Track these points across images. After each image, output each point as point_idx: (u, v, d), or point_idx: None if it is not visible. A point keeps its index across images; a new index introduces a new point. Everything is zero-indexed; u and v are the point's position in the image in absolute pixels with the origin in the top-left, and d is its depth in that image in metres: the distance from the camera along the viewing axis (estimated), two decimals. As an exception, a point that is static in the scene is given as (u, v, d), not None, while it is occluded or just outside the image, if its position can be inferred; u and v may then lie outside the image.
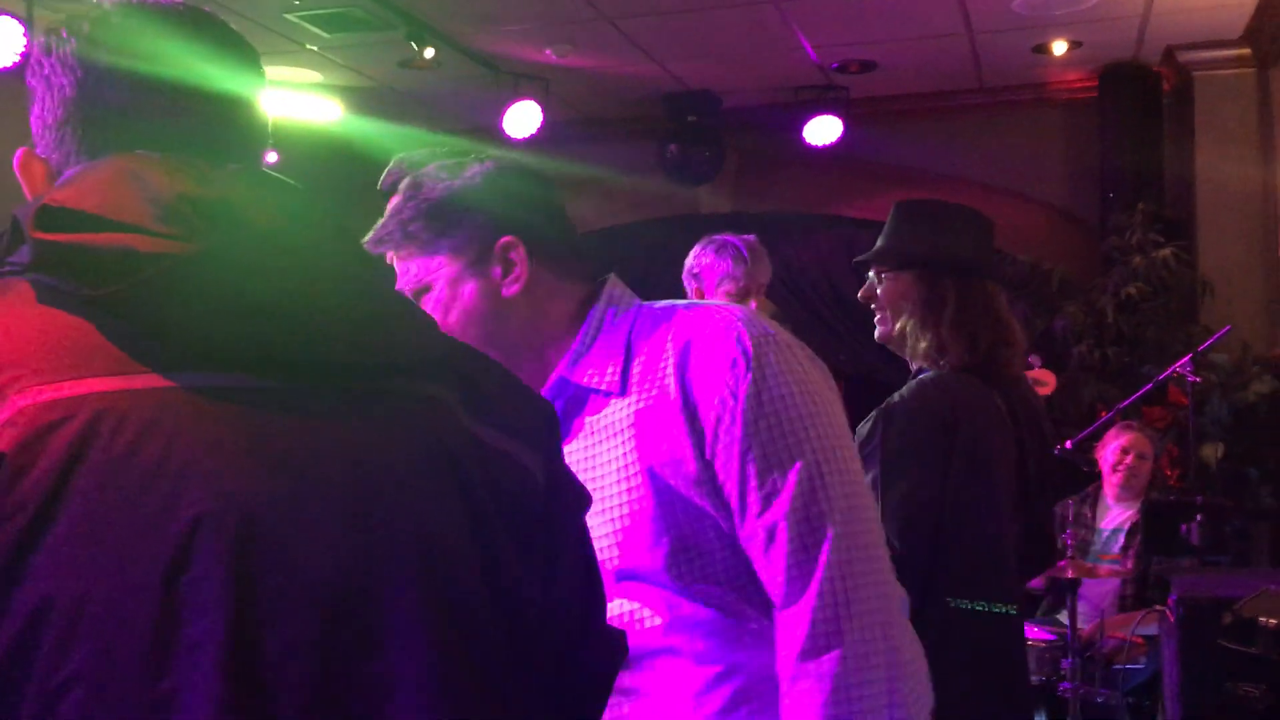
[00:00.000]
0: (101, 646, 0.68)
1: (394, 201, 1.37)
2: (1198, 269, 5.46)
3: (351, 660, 0.75)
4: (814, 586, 1.21)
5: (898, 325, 2.25)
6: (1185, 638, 2.72)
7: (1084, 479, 4.53)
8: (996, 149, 6.21)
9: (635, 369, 1.32)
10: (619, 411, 1.31)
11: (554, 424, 0.97)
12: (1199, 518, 3.89)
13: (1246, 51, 5.42)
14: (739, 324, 1.29)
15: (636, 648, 1.27)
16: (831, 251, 6.31)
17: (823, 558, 1.21)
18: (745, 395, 1.24)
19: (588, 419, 1.34)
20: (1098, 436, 4.48)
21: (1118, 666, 3.92)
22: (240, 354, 0.78)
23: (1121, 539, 4.31)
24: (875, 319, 2.30)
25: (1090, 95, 5.93)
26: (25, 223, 0.77)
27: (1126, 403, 4.45)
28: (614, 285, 1.41)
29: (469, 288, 1.33)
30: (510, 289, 1.34)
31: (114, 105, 0.88)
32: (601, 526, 1.30)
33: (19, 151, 0.91)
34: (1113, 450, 4.37)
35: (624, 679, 1.28)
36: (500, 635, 0.83)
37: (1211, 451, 4.81)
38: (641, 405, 1.29)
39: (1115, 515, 4.40)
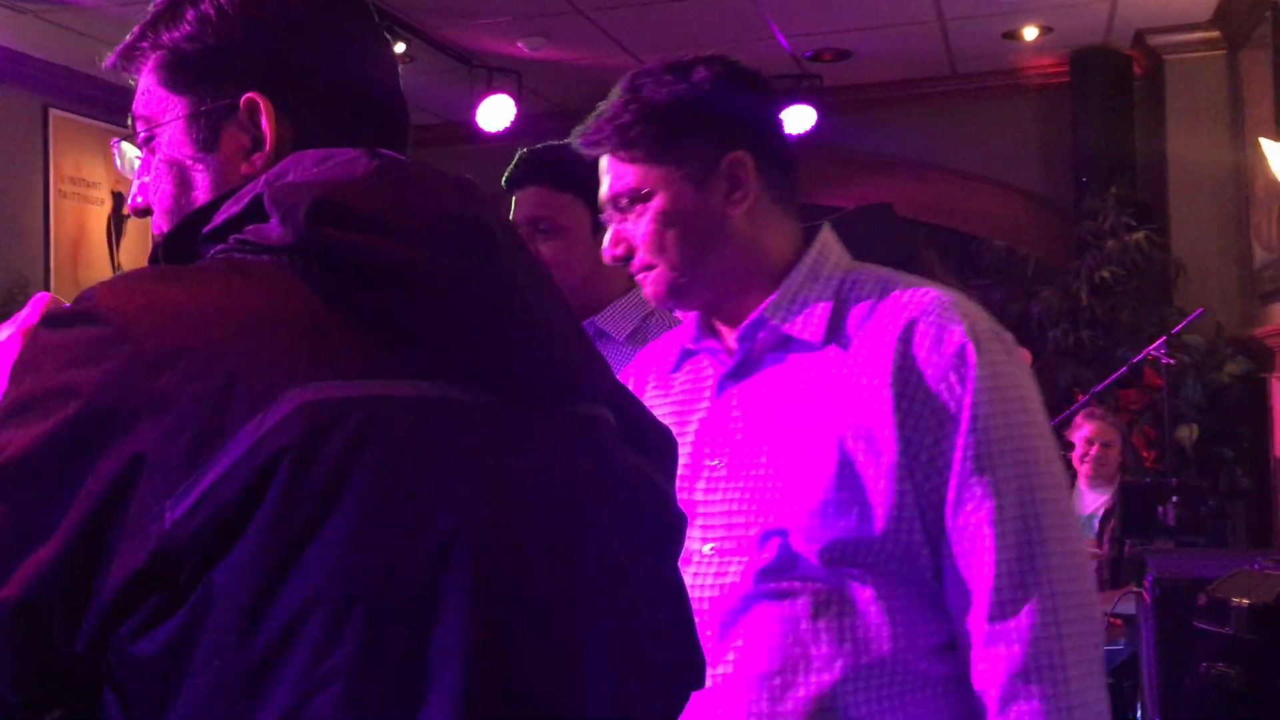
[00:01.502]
0: (364, 645, 0.70)
1: (611, 103, 1.27)
2: (1170, 251, 5.50)
3: (556, 672, 0.78)
4: (1034, 605, 1.16)
5: None
6: (1161, 619, 2.74)
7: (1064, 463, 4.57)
8: (970, 136, 6.22)
9: (844, 327, 1.24)
10: (819, 366, 1.24)
11: (676, 448, 1.00)
12: (1175, 499, 3.92)
13: (1216, 34, 5.45)
14: (970, 315, 1.23)
15: (741, 610, 1.22)
16: (808, 240, 6.31)
17: (1045, 579, 1.17)
18: (974, 388, 1.18)
19: (781, 365, 1.27)
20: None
21: (1097, 648, 3.94)
22: (490, 372, 0.80)
23: (1096, 525, 4.35)
24: None
25: (1062, 80, 5.94)
26: (294, 209, 0.76)
27: (1101, 386, 4.48)
28: (829, 235, 1.32)
29: (690, 203, 1.24)
30: (735, 209, 1.25)
31: (352, 79, 0.89)
32: (764, 475, 1.23)
33: (251, 96, 0.86)
34: (1079, 441, 4.42)
35: (726, 638, 1.23)
36: (647, 648, 0.88)
37: (1186, 433, 4.85)
38: (847, 371, 1.22)
39: (1089, 501, 4.45)
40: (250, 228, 0.78)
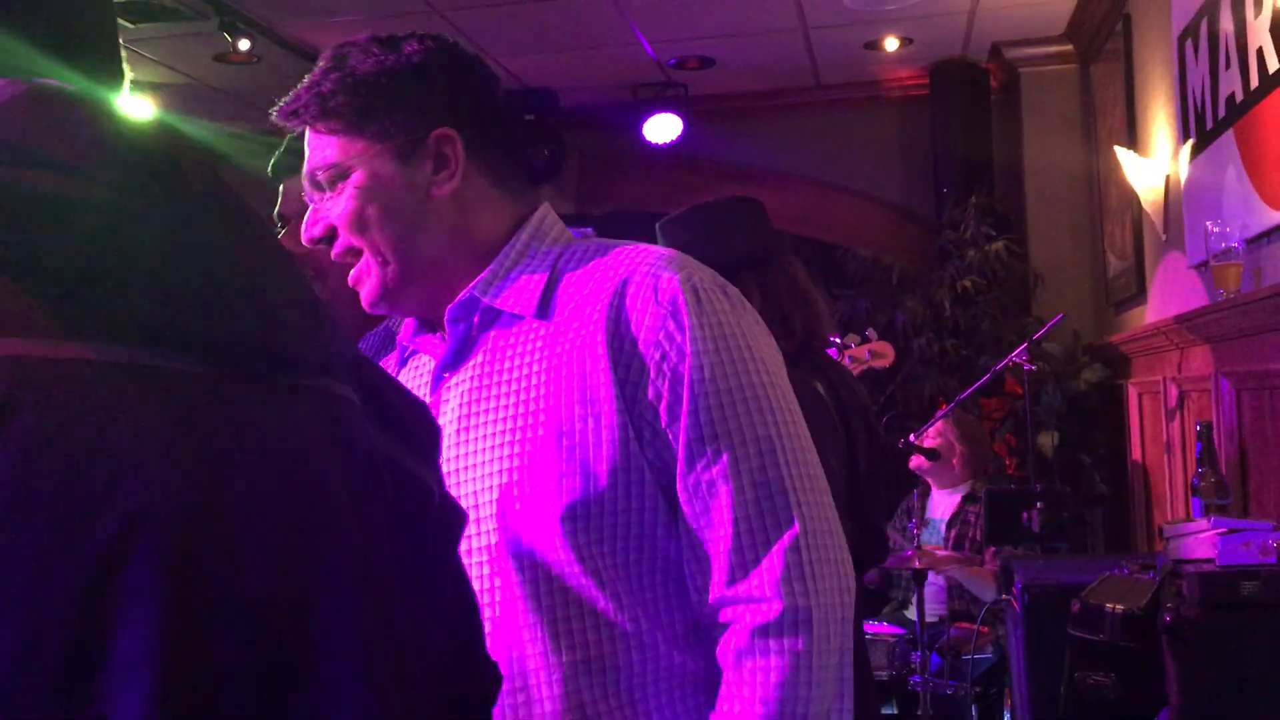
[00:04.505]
0: (15, 661, 0.56)
1: (313, 72, 1.19)
2: (1029, 261, 5.59)
3: (288, 686, 0.64)
4: (778, 565, 1.08)
5: None
6: (1031, 627, 2.70)
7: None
8: (834, 147, 6.25)
9: (558, 297, 1.17)
10: (532, 338, 1.16)
11: (439, 436, 0.88)
12: (1039, 505, 3.93)
13: (1069, 48, 5.58)
14: (687, 266, 1.15)
15: (487, 619, 1.12)
16: (674, 251, 6.26)
17: (788, 538, 1.09)
18: (692, 337, 1.10)
19: (493, 341, 1.19)
20: (939, 429, 4.51)
21: (966, 657, 3.93)
22: (183, 334, 0.66)
23: (943, 528, 4.37)
24: None
25: (922, 93, 6.02)
26: None
27: (965, 394, 4.48)
28: (547, 213, 1.25)
29: (393, 180, 1.16)
30: (440, 189, 1.17)
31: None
32: (492, 459, 1.14)
33: None
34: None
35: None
36: (415, 663, 0.74)
37: (1048, 440, 4.90)
38: (561, 339, 1.14)
39: (938, 504, 4.47)
40: None
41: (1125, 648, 2.00)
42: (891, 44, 5.58)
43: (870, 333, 3.93)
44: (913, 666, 3.88)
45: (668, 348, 1.11)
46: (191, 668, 0.60)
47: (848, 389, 2.27)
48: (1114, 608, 2.02)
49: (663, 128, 6.00)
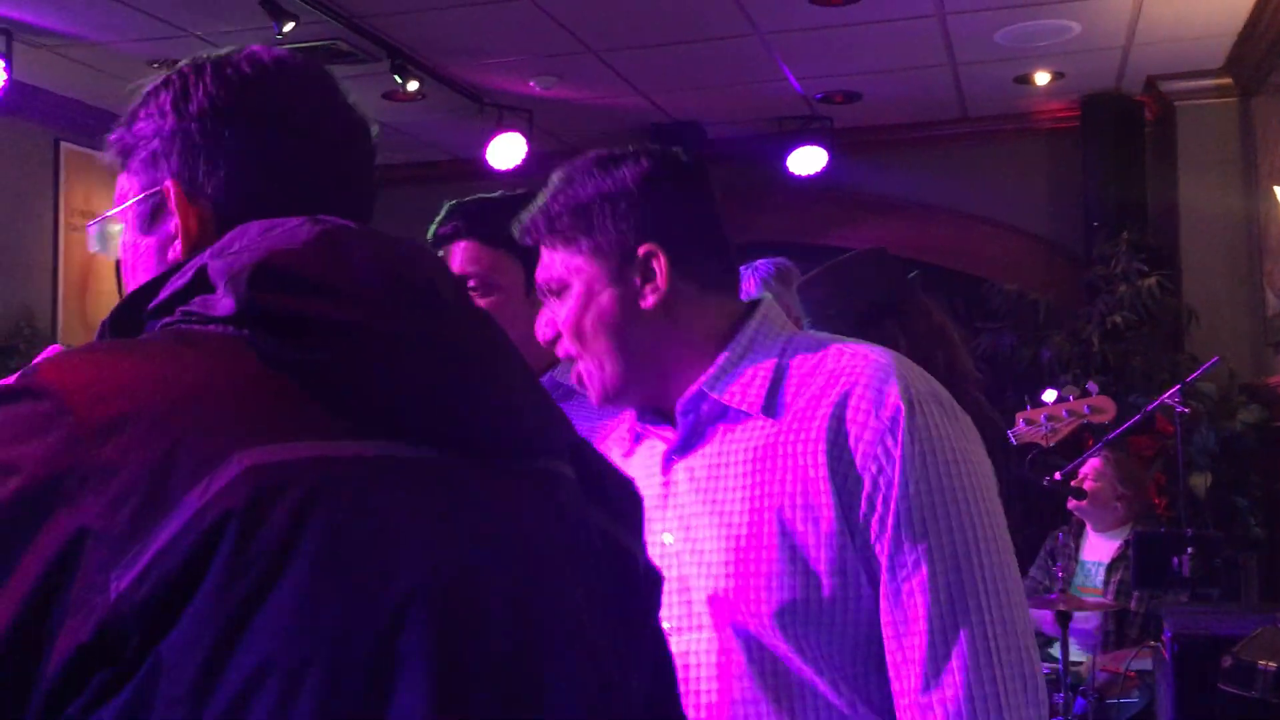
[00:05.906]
0: (321, 711, 0.69)
1: (546, 192, 1.32)
2: (1182, 298, 5.47)
3: None
4: (970, 681, 1.16)
5: None
6: (1181, 677, 2.69)
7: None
8: (981, 179, 6.22)
9: (783, 396, 1.25)
10: (758, 436, 1.25)
11: (641, 504, 1.00)
12: (1190, 550, 3.86)
13: (1228, 81, 5.45)
14: (905, 376, 1.23)
15: (702, 694, 1.22)
16: (817, 281, 6.29)
17: (979, 654, 1.17)
18: (905, 453, 1.18)
19: (721, 433, 1.28)
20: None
21: (1110, 700, 3.88)
22: (439, 431, 0.80)
23: (1102, 573, 4.27)
24: None
25: (1073, 125, 5.95)
26: (236, 278, 0.77)
27: (1115, 433, 4.42)
28: (770, 308, 1.34)
29: (607, 294, 1.28)
30: (647, 300, 1.28)
31: (286, 156, 0.91)
32: (715, 548, 1.24)
33: (170, 184, 0.90)
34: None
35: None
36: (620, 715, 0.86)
37: (1200, 481, 4.79)
38: (784, 441, 1.23)
39: (1095, 547, 4.37)
40: (197, 299, 0.80)
41: (1278, 705, 2.00)
42: (1042, 78, 5.54)
43: (1091, 386, 3.81)
44: (1056, 708, 3.85)
45: (884, 461, 1.19)
46: (459, 711, 0.72)
47: (991, 425, 2.32)
48: (1267, 665, 2.03)
49: (808, 160, 6.06)
